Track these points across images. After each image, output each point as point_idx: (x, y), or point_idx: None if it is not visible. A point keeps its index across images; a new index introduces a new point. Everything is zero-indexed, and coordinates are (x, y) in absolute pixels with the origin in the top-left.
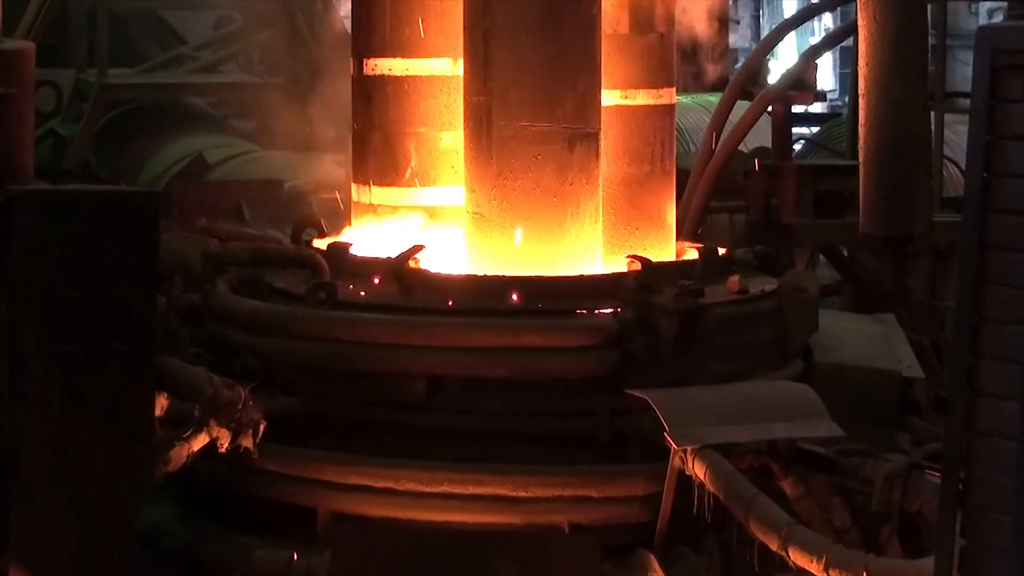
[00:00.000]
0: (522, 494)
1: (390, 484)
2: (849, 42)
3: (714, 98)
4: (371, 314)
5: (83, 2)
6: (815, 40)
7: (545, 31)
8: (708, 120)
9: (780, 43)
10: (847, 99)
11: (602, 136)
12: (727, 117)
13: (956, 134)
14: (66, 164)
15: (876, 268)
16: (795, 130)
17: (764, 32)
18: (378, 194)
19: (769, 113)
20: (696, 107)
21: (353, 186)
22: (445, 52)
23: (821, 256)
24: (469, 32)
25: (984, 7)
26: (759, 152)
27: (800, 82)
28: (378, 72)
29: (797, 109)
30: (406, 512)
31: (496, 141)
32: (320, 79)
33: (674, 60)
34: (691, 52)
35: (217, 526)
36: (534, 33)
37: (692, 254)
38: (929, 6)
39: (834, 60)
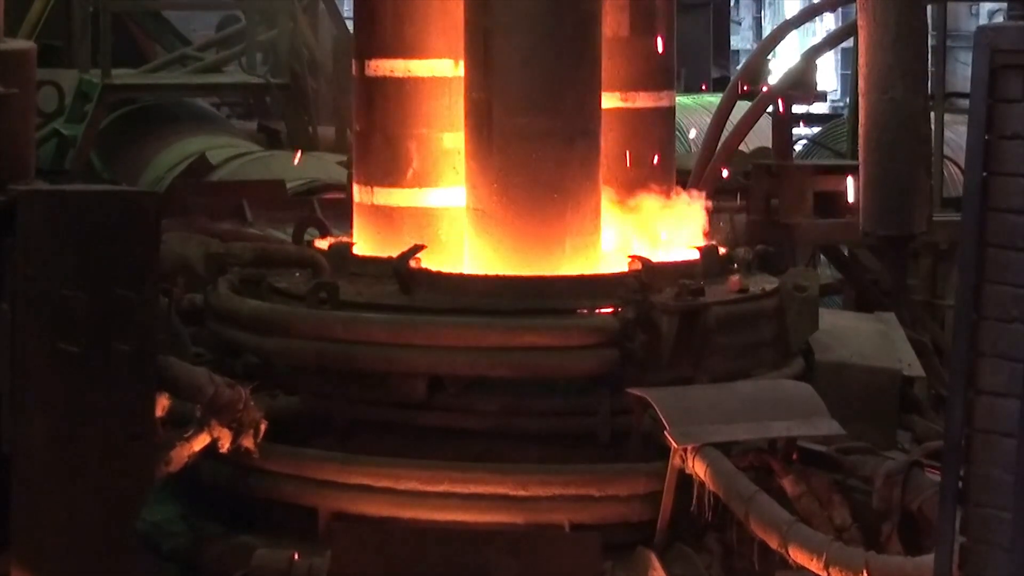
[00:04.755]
0: (523, 493)
1: (391, 483)
2: (850, 43)
3: (714, 98)
4: (372, 314)
5: (86, 3)
6: (816, 41)
7: (545, 28)
8: (708, 120)
9: (781, 43)
10: (848, 99)
11: (602, 134)
12: (727, 117)
13: (956, 134)
14: (69, 164)
15: (876, 267)
16: (796, 130)
17: (766, 33)
18: (380, 195)
19: (769, 113)
20: (696, 107)
21: (355, 187)
22: (447, 53)
23: (821, 255)
24: (469, 29)
25: (984, 8)
26: (760, 152)
27: (801, 82)
28: (380, 73)
29: (798, 109)
30: (407, 511)
31: (497, 137)
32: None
33: (674, 62)
34: None
35: (218, 526)
36: (534, 30)
37: (692, 254)
38: (929, 7)
39: (836, 61)
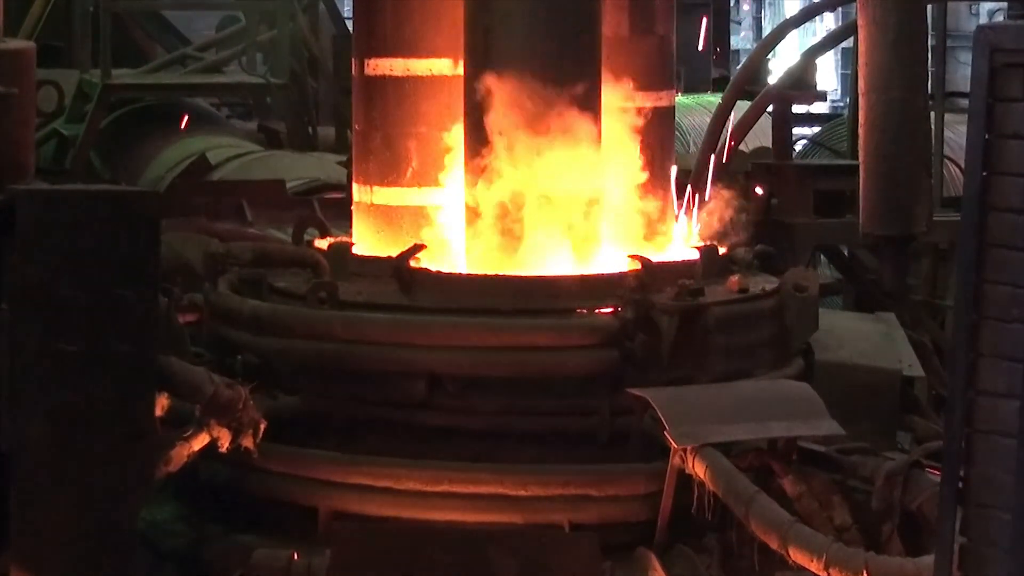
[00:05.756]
0: (522, 493)
1: (390, 483)
2: (850, 43)
3: (714, 98)
4: (371, 314)
5: (86, 3)
6: (816, 41)
7: (546, 26)
8: (708, 120)
9: (781, 43)
10: (848, 99)
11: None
12: (727, 117)
13: (956, 134)
14: (69, 164)
15: (876, 267)
16: (796, 130)
17: (766, 33)
18: (379, 194)
19: (769, 113)
20: (696, 107)
21: (354, 186)
22: (446, 52)
23: (821, 255)
24: (469, 27)
25: (985, 8)
26: (760, 152)
27: (800, 82)
28: (379, 72)
29: (798, 109)
30: (406, 511)
31: (496, 136)
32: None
33: (674, 62)
34: None
35: (218, 526)
36: (535, 28)
37: (692, 253)
38: (929, 7)
39: (836, 61)
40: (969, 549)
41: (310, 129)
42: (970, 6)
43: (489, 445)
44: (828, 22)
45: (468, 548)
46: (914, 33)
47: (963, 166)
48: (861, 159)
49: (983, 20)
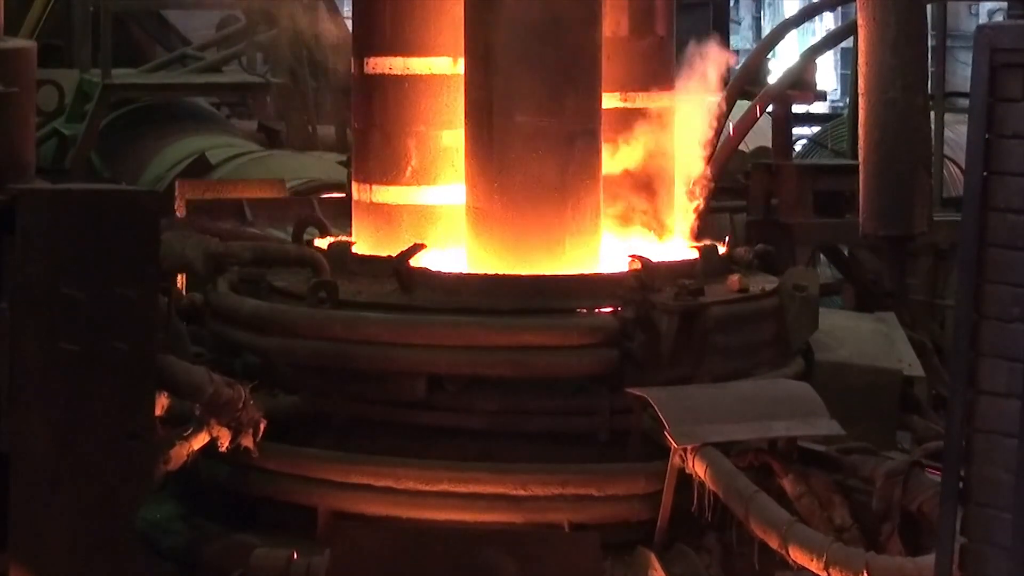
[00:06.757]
0: (522, 493)
1: (390, 483)
2: (850, 43)
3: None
4: (371, 313)
5: (87, 3)
6: (816, 40)
7: (547, 26)
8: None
9: (781, 43)
10: (848, 99)
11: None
12: (727, 117)
13: (956, 134)
14: (69, 164)
15: (876, 267)
16: (796, 130)
17: (765, 33)
18: (378, 193)
19: (769, 113)
20: None
21: (354, 185)
22: (445, 51)
23: (821, 255)
24: (470, 27)
25: (984, 8)
26: (760, 152)
27: (800, 82)
28: (378, 71)
29: (798, 109)
30: (406, 511)
31: (497, 136)
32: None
33: (673, 63)
34: None
35: (217, 525)
36: (535, 28)
37: (692, 253)
38: (929, 6)
39: (836, 61)
40: (969, 549)
41: (310, 129)
42: (970, 6)
43: (489, 445)
44: (828, 22)
45: (468, 548)
46: (914, 33)
47: (963, 166)
48: (861, 159)
49: (983, 20)
